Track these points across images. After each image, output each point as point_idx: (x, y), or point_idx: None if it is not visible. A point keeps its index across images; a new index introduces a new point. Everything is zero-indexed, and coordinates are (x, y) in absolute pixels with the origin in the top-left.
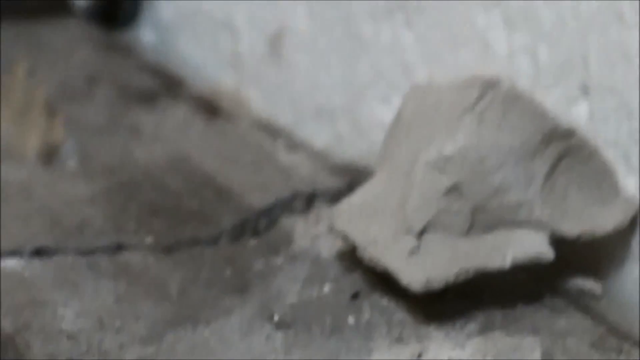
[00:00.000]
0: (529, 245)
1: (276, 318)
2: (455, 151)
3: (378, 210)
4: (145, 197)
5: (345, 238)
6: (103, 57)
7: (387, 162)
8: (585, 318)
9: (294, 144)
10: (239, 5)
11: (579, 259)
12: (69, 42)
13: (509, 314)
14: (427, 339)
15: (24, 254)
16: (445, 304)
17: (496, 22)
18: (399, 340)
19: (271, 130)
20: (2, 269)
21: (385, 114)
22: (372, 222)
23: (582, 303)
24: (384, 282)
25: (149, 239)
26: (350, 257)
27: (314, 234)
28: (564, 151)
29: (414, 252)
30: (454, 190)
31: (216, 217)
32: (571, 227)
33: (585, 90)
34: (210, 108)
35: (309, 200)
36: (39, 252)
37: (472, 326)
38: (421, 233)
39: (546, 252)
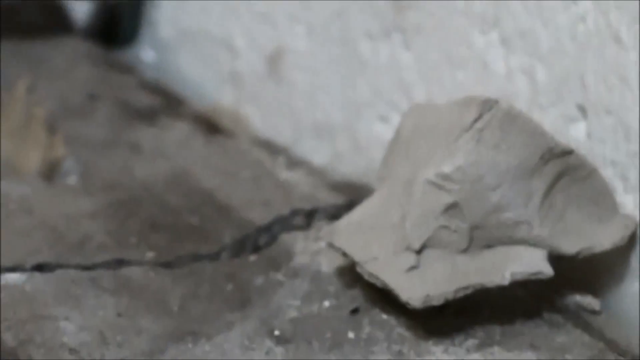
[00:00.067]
0: (528, 262)
1: (277, 333)
2: (454, 169)
3: (377, 227)
4: (146, 213)
5: (344, 255)
6: (103, 75)
7: (386, 179)
8: (584, 334)
9: (294, 161)
10: (239, 24)
11: (578, 275)
12: (70, 59)
13: (508, 329)
14: (426, 354)
15: (26, 269)
16: (445, 320)
17: (494, 43)
18: (399, 355)
19: (271, 148)
20: (3, 284)
21: (384, 132)
22: (371, 239)
23: (581, 319)
24: (383, 298)
25: (149, 254)
26: (350, 273)
27: (314, 250)
28: (562, 170)
29: (413, 268)
30: (453, 207)
31: (217, 233)
32: (570, 245)
33: (582, 110)
34: (210, 125)
35: (308, 217)
36: (40, 268)
37: (472, 342)
38: (420, 250)
39: (545, 270)
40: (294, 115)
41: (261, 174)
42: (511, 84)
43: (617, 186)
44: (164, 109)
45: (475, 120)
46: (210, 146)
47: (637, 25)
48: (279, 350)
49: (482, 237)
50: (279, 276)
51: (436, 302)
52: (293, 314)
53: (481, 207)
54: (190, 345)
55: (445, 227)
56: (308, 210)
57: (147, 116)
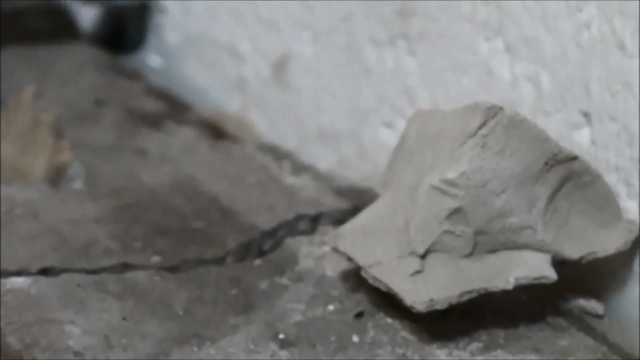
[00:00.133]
0: (532, 267)
1: (281, 336)
2: (458, 175)
3: (382, 232)
4: (151, 218)
5: (349, 259)
6: (109, 80)
7: (391, 184)
8: (587, 337)
9: (299, 167)
10: (244, 30)
11: (581, 280)
12: (76, 65)
13: (511, 333)
14: (430, 357)
15: (31, 273)
16: (449, 324)
17: (498, 50)
18: (403, 358)
19: (276, 153)
20: (9, 287)
21: (389, 137)
22: (376, 244)
23: (584, 323)
24: (388, 302)
25: (155, 259)
26: (355, 277)
27: (318, 255)
28: (567, 175)
29: (417, 273)
30: (457, 213)
31: (222, 238)
32: (573, 250)
33: (587, 117)
34: (215, 131)
35: (313, 222)
36: (45, 272)
37: (475, 345)
38: (425, 254)
39: (549, 274)
40: (299, 121)
41: (266, 179)
42: (516, 91)
43: (621, 191)
44: (170, 114)
45: (480, 127)
46: (215, 151)
47: None
48: (283, 353)
49: (486, 242)
50: (284, 280)
51: (440, 306)
52: (297, 317)
53: (485, 212)
54: (195, 349)
55: (449, 232)
56: (313, 215)
57: (153, 121)
